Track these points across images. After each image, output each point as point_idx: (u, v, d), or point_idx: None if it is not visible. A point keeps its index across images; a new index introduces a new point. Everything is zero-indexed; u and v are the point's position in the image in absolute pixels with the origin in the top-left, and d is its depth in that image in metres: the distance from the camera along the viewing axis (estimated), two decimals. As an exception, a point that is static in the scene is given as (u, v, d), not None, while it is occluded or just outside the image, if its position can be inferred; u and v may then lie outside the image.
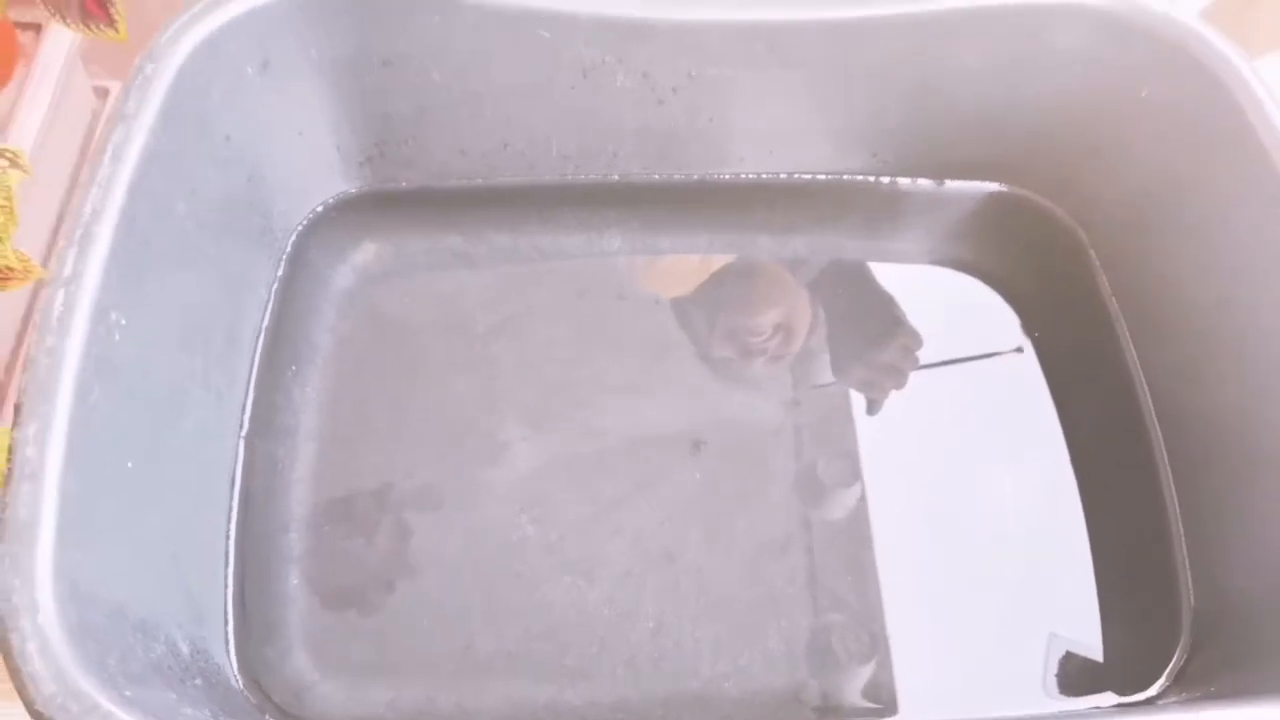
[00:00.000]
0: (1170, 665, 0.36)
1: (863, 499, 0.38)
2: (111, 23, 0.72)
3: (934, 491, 0.40)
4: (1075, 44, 0.37)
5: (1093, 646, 0.37)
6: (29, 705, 0.23)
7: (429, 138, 0.41)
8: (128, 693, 0.24)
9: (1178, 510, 0.38)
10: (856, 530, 0.38)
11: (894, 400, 0.42)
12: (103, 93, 1.05)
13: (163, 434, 0.31)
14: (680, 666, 0.35)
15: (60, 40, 0.91)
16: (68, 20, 0.71)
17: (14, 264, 0.51)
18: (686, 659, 0.35)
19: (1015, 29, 0.37)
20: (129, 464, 0.29)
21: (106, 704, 0.23)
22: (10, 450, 0.26)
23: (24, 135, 0.86)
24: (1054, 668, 0.36)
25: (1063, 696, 0.36)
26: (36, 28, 0.93)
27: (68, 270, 0.28)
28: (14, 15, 0.81)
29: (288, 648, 0.34)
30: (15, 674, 0.24)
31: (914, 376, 0.43)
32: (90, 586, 0.25)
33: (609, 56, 0.38)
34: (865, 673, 0.36)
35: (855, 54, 0.38)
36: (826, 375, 0.42)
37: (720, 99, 0.40)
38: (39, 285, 0.80)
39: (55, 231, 0.94)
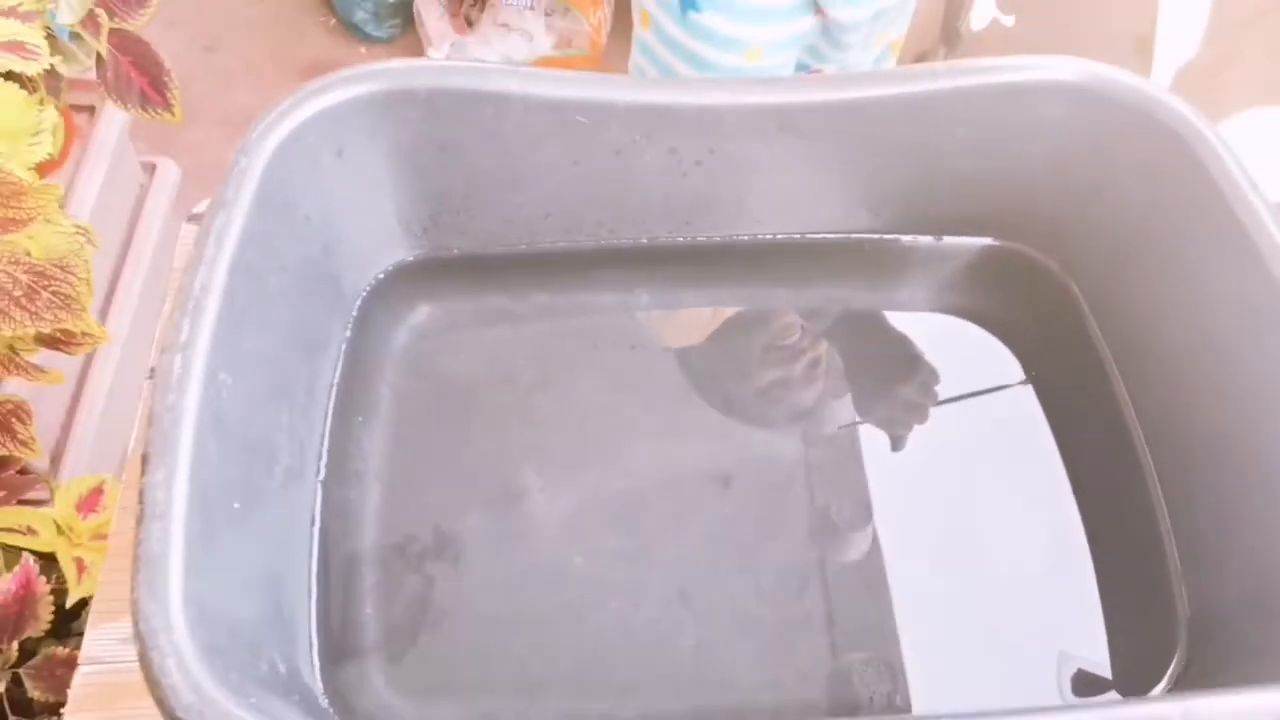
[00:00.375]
0: (1169, 670, 0.39)
1: (876, 534, 0.42)
2: (169, 106, 0.78)
3: (945, 523, 0.43)
4: (1054, 115, 0.42)
5: (1100, 662, 0.40)
6: (169, 714, 0.27)
7: (478, 210, 0.46)
8: (252, 699, 0.27)
9: (1170, 527, 0.41)
10: (872, 564, 0.41)
11: (901, 447, 0.46)
12: (149, 168, 1.12)
13: (259, 478, 0.35)
14: (720, 681, 0.38)
15: (112, 121, 0.98)
16: (128, 105, 0.78)
17: (92, 330, 0.56)
18: (725, 674, 0.38)
19: (999, 104, 0.42)
20: (236, 505, 0.33)
21: (237, 710, 0.27)
22: (141, 494, 0.30)
23: (82, 208, 0.93)
24: (1066, 685, 0.40)
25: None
26: (90, 110, 1.00)
27: (183, 337, 0.32)
28: (70, 99, 0.87)
29: (365, 671, 0.38)
30: (155, 686, 0.27)
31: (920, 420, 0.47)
32: (212, 611, 0.29)
33: (639, 136, 0.43)
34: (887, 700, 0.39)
35: (855, 129, 0.42)
36: (850, 415, 0.46)
37: (738, 170, 0.44)
38: (96, 350, 0.84)
39: (109, 296, 0.99)
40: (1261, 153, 0.57)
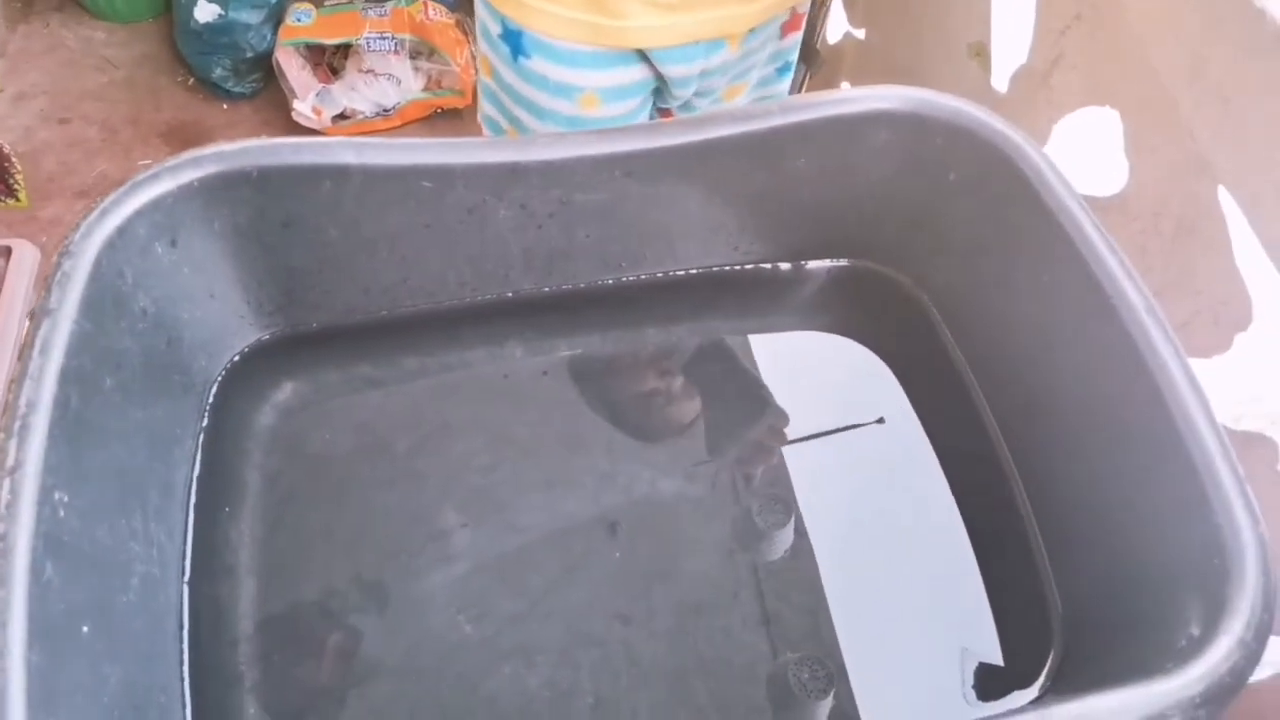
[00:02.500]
0: (1048, 664, 0.41)
1: (797, 542, 0.43)
2: (12, 192, 0.75)
3: (849, 540, 0.44)
4: (887, 141, 0.43)
5: (994, 656, 0.42)
6: None
7: (333, 282, 0.45)
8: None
9: (1036, 527, 0.43)
10: (801, 572, 0.42)
11: (787, 466, 0.46)
12: (5, 252, 1.07)
13: (112, 593, 0.34)
14: (620, 735, 0.38)
15: (-42, 207, 0.93)
16: (-32, 195, 0.74)
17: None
18: (624, 728, 0.38)
19: (834, 136, 0.43)
20: (84, 629, 0.31)
21: None
22: (-26, 634, 0.28)
23: (-71, 306, 0.87)
24: (969, 678, 0.41)
25: (979, 702, 0.41)
26: (-66, 198, 0.94)
27: (10, 461, 0.31)
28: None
29: (251, 777, 0.36)
30: (1, 841, 0.26)
31: (816, 426, 0.47)
32: (62, 749, 0.28)
33: (488, 196, 0.42)
34: (824, 705, 0.39)
35: (702, 170, 0.43)
36: (704, 455, 0.47)
37: (593, 218, 0.45)
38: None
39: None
40: (1087, 152, 0.61)
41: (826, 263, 0.50)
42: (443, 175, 0.41)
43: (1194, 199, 0.54)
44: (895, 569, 0.44)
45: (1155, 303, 0.38)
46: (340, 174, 0.40)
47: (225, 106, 1.31)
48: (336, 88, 1.26)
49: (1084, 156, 0.62)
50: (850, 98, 0.43)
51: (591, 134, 0.42)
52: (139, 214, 0.37)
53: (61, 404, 0.32)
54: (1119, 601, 0.37)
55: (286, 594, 0.41)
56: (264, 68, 1.29)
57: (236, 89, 1.30)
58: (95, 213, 0.36)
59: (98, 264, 0.35)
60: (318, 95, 1.25)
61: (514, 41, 0.61)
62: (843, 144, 0.43)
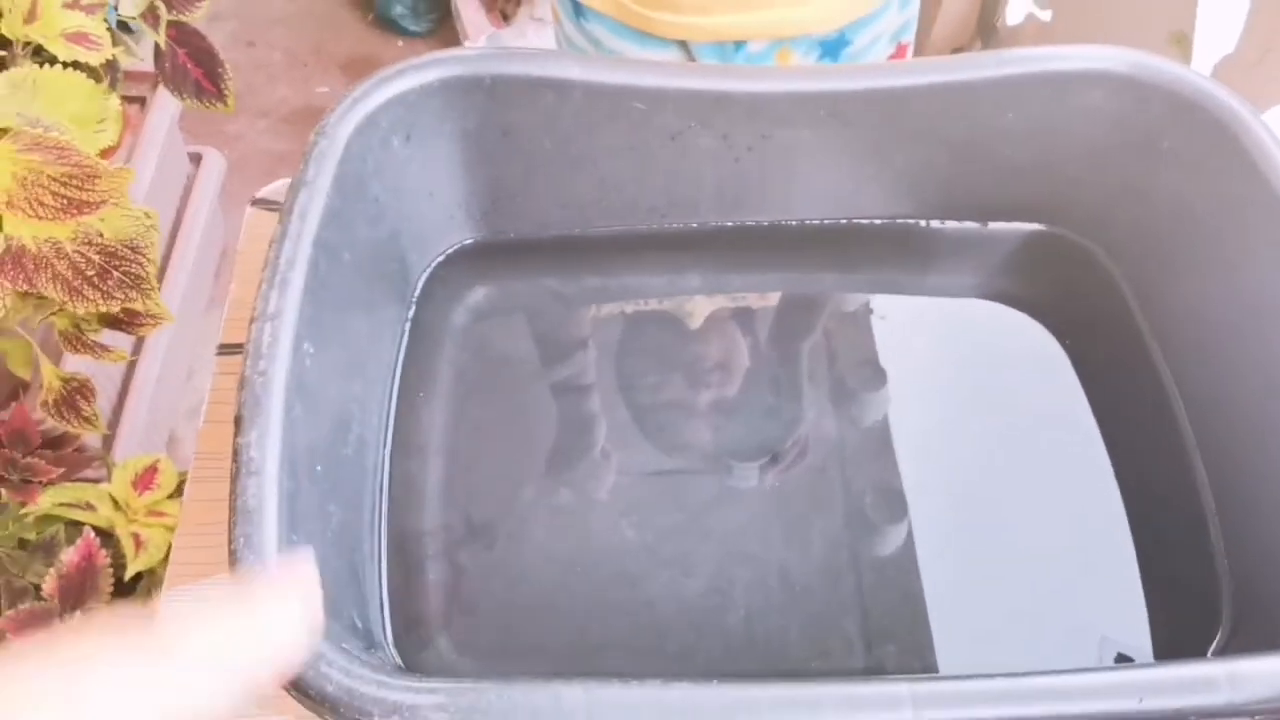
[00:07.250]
0: (1211, 649, 0.40)
1: (911, 526, 0.43)
2: (223, 97, 0.81)
3: (983, 512, 0.44)
4: (1100, 104, 0.43)
5: (1141, 646, 0.41)
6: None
7: (535, 194, 0.47)
8: (344, 645, 0.29)
9: (1215, 508, 0.42)
10: (906, 555, 0.42)
11: (939, 430, 0.46)
12: (196, 158, 1.15)
13: (337, 445, 0.37)
14: (770, 651, 0.40)
15: (163, 113, 1.01)
16: (184, 96, 0.80)
17: (159, 310, 0.58)
18: (775, 644, 0.40)
19: (1045, 92, 0.43)
20: (318, 467, 0.34)
21: (331, 653, 0.28)
22: (236, 453, 0.32)
23: (135, 195, 0.96)
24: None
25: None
26: (141, 101, 1.03)
27: (271, 307, 0.34)
28: (123, 90, 0.90)
29: (430, 634, 0.39)
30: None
31: (958, 404, 0.47)
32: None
33: (694, 122, 0.44)
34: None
35: (903, 116, 0.44)
36: (865, 402, 0.47)
37: (789, 155, 0.46)
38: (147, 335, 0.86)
39: (159, 281, 1.02)
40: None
41: (1014, 225, 0.50)
42: (656, 98, 0.43)
43: None
44: (1034, 554, 0.43)
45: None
46: (564, 88, 0.42)
47: (400, 44, 1.37)
48: (506, 32, 1.30)
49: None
50: (1066, 54, 0.42)
51: (803, 70, 0.43)
52: (384, 106, 0.40)
53: (313, 266, 0.36)
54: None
55: (468, 478, 0.44)
56: (441, 7, 1.34)
57: (413, 27, 1.35)
58: (347, 100, 0.39)
59: (348, 147, 0.39)
60: (489, 38, 1.30)
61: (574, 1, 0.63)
62: (1054, 102, 0.43)
